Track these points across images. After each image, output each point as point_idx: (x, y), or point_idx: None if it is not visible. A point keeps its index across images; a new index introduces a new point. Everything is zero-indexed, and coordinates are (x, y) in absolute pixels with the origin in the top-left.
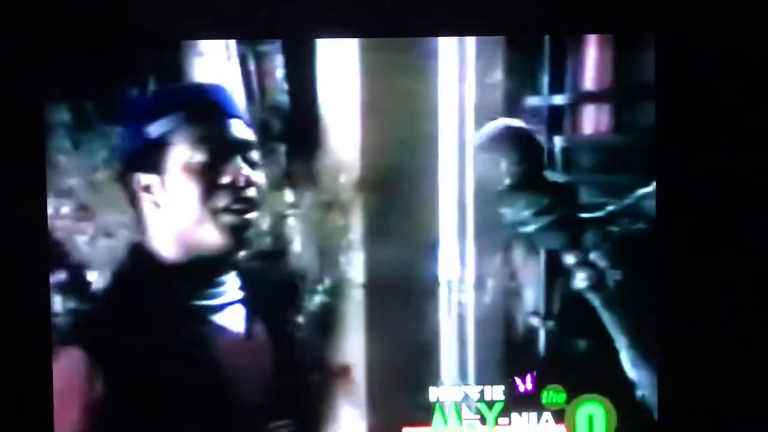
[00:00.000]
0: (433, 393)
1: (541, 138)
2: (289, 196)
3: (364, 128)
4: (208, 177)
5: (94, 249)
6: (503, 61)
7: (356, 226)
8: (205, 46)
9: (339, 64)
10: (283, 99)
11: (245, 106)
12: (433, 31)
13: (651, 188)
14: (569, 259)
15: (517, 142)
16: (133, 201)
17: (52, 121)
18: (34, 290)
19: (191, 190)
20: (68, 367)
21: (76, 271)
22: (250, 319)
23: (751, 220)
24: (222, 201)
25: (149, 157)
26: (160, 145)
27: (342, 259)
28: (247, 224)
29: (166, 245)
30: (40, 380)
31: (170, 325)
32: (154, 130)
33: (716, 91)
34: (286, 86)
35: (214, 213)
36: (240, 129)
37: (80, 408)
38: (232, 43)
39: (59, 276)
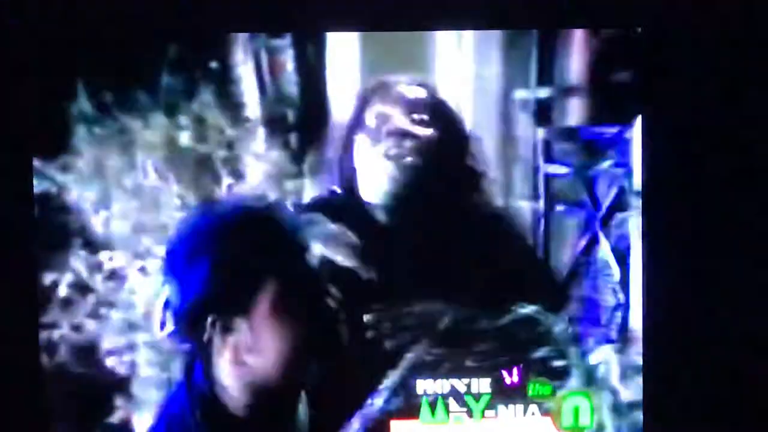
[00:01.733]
0: (420, 386)
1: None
2: (298, 184)
3: None
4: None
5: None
6: (497, 55)
7: None
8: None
9: (342, 57)
10: (293, 91)
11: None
12: (429, 25)
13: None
14: None
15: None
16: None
17: (75, 114)
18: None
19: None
20: None
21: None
22: None
23: (736, 215)
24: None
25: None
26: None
27: None
28: None
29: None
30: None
31: None
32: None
33: (700, 86)
34: (296, 78)
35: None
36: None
37: None
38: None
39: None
